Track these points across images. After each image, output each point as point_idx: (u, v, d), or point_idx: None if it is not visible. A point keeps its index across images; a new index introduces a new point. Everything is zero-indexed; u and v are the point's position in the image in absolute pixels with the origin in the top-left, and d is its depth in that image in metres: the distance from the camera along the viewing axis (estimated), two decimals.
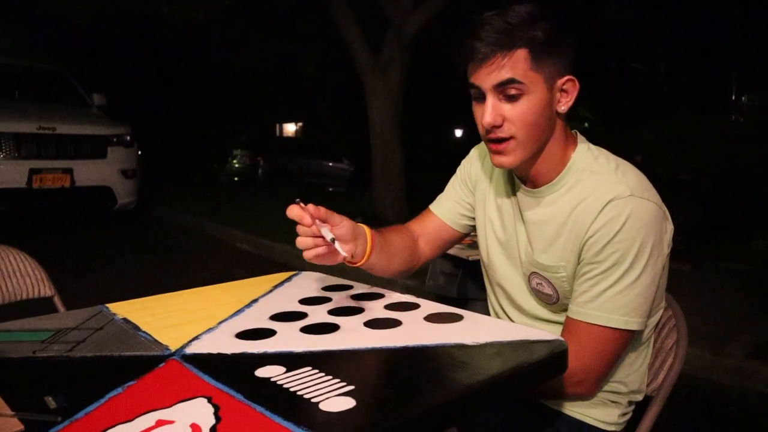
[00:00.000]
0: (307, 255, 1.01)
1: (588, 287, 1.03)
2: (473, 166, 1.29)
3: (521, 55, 0.99)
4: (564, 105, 1.05)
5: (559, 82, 1.03)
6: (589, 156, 1.09)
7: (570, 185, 1.08)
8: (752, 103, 11.28)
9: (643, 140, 5.25)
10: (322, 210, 1.01)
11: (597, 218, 1.01)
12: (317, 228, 0.99)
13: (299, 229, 1.00)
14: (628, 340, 1.04)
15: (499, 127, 1.03)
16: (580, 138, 1.13)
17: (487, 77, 1.01)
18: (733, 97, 12.73)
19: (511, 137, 1.03)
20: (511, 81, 1.00)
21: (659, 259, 1.02)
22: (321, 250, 1.00)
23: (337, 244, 0.99)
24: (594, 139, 1.16)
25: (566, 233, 1.06)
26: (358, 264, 1.13)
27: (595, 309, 1.01)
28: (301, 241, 1.01)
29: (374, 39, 6.50)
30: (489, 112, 1.02)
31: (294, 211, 0.99)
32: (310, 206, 1.00)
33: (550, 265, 1.09)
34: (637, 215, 0.99)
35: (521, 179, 1.15)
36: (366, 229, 1.12)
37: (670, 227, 1.05)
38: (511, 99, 1.01)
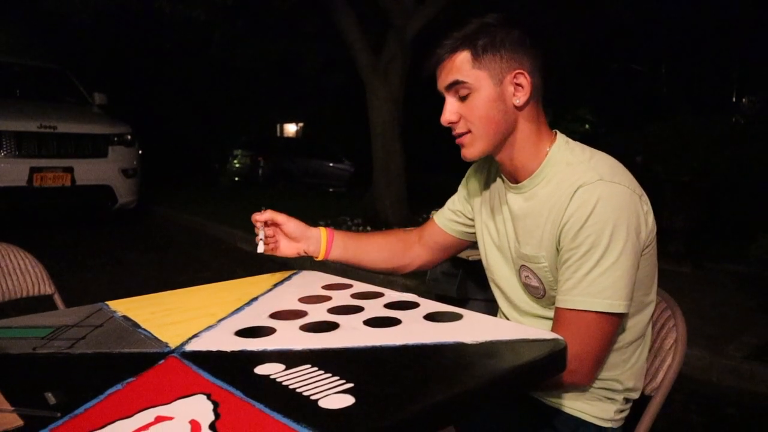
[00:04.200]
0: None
1: (570, 274, 1.05)
2: (469, 182, 1.36)
3: (464, 57, 1.09)
4: (520, 98, 1.10)
5: (509, 76, 1.09)
6: (566, 149, 1.14)
7: (549, 178, 1.12)
8: (753, 105, 11.27)
9: (643, 142, 5.24)
10: (266, 214, 1.30)
11: (569, 205, 1.05)
12: (263, 230, 1.30)
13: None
14: (616, 324, 1.06)
15: (456, 123, 1.13)
16: (560, 135, 1.17)
17: (438, 80, 1.14)
18: (734, 99, 12.73)
19: (468, 131, 1.13)
20: (456, 82, 1.10)
21: (638, 240, 1.05)
22: (269, 245, 1.32)
23: (260, 244, 1.29)
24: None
25: (544, 223, 1.10)
26: (318, 258, 1.37)
27: (579, 294, 1.03)
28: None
29: (375, 39, 6.49)
30: (446, 110, 1.13)
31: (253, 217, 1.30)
32: (256, 214, 1.30)
33: (532, 255, 1.13)
34: (606, 198, 1.02)
35: (508, 178, 1.20)
36: (323, 230, 1.37)
37: (647, 209, 1.08)
38: (463, 98, 1.11)
